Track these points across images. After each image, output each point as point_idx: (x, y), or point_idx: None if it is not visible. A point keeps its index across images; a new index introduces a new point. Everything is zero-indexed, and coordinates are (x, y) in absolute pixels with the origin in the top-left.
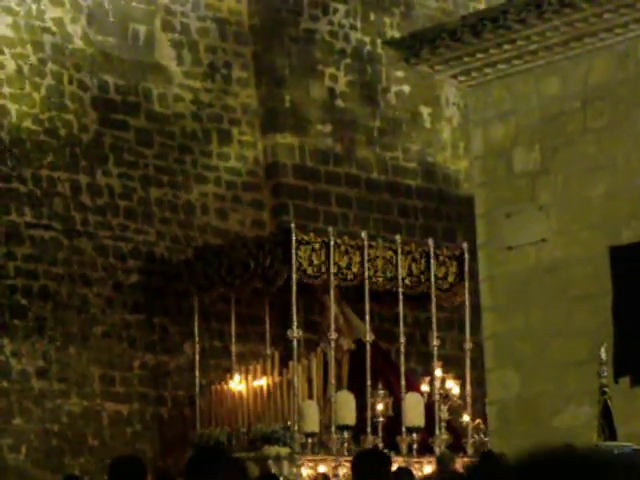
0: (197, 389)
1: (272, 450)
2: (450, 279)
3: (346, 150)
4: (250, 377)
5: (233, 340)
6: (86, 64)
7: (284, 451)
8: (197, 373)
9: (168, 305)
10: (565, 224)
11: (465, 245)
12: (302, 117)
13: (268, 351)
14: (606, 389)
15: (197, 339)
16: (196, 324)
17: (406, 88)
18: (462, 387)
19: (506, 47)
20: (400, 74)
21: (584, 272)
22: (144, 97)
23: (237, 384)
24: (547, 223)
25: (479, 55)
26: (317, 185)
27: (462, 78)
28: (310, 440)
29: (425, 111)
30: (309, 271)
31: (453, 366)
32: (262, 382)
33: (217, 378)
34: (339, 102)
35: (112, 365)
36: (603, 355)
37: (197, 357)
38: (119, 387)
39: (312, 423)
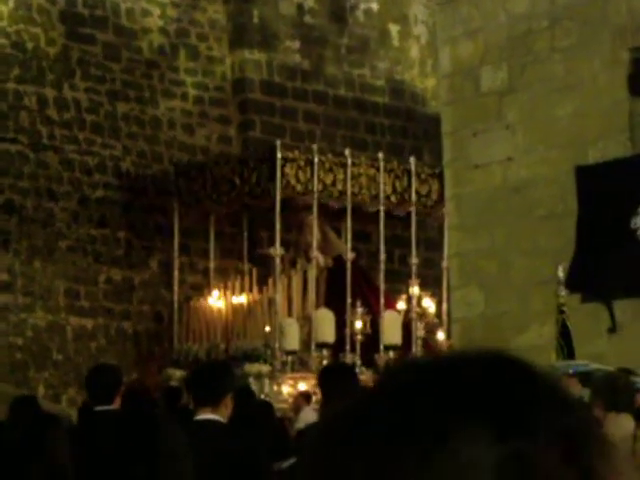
0: (175, 305)
1: (253, 368)
2: (434, 197)
3: (314, 67)
4: (229, 293)
5: (212, 256)
6: None
7: (265, 369)
8: (175, 289)
9: (134, 220)
10: (532, 143)
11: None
12: (270, 33)
13: (245, 267)
14: (564, 308)
15: (176, 254)
16: (176, 240)
17: (375, 6)
18: (438, 305)
19: None
20: None
21: (550, 192)
22: (112, 11)
23: (215, 300)
24: (513, 142)
25: None
26: (284, 101)
27: None
28: (290, 358)
29: (393, 29)
30: (298, 188)
31: (425, 284)
32: (242, 299)
33: (194, 294)
34: (307, 18)
35: (77, 279)
36: (561, 274)
37: (176, 273)
38: (84, 301)
39: (292, 341)
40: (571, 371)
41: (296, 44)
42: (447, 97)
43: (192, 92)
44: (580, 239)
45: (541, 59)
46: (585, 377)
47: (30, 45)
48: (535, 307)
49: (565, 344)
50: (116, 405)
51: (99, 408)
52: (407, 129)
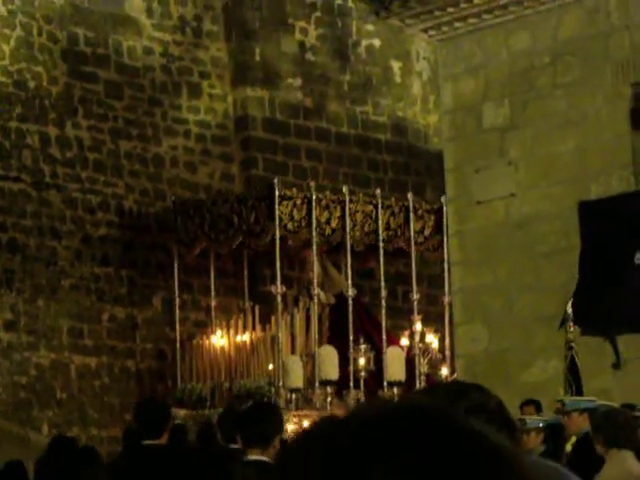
0: (178, 344)
1: None
2: (426, 232)
3: (316, 104)
4: (232, 332)
5: (213, 294)
6: (56, 16)
7: None
8: (177, 327)
9: (137, 258)
10: (534, 179)
11: (444, 199)
12: (272, 71)
13: (247, 305)
14: (573, 344)
15: (177, 292)
16: (176, 278)
17: (376, 42)
18: (441, 341)
19: (476, 1)
20: (371, 28)
21: (553, 227)
22: (114, 50)
23: (219, 338)
24: (516, 178)
25: (450, 9)
26: (287, 139)
27: (432, 32)
28: (294, 395)
29: (395, 65)
30: (289, 226)
31: (427, 320)
32: (245, 337)
33: (197, 331)
34: (309, 56)
35: (80, 318)
36: (569, 310)
37: (177, 311)
38: (87, 340)
39: (296, 378)
40: (582, 407)
41: (298, 81)
42: (449, 133)
43: (194, 130)
44: (582, 274)
45: (543, 95)
46: (594, 414)
47: (32, 84)
48: (539, 343)
49: (573, 380)
50: (163, 440)
51: (148, 442)
52: (409, 166)
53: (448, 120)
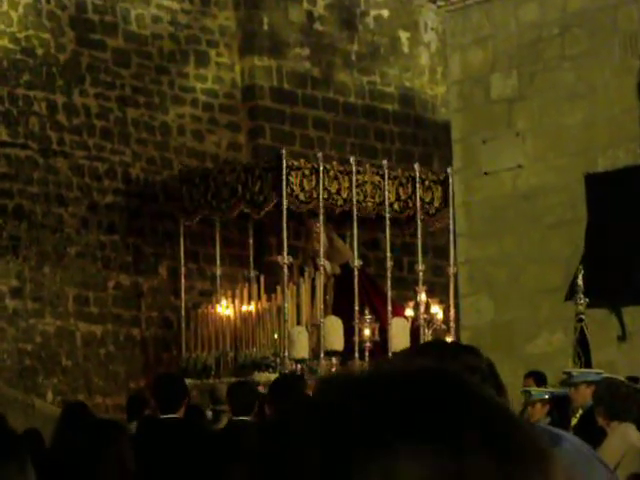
0: (183, 312)
1: (262, 376)
2: (436, 204)
3: (324, 74)
4: (237, 301)
5: (218, 263)
6: None
7: (274, 377)
8: (183, 296)
9: (143, 226)
10: (541, 151)
11: (450, 170)
12: (280, 40)
13: (252, 274)
14: (582, 316)
15: (183, 261)
16: (182, 247)
17: (385, 12)
18: (446, 313)
19: None
20: None
21: (559, 199)
22: (122, 17)
23: (224, 308)
24: (523, 149)
25: None
26: (294, 108)
27: (441, 3)
28: (300, 366)
29: (404, 36)
30: (301, 197)
31: (432, 292)
32: (251, 307)
33: (203, 300)
34: (317, 25)
35: (86, 285)
36: (580, 282)
37: (183, 280)
38: (93, 307)
39: (302, 349)
40: (589, 379)
41: (306, 51)
42: (457, 104)
43: (202, 98)
44: (589, 246)
45: (551, 67)
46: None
47: (40, 51)
48: (545, 314)
49: (583, 352)
50: (180, 414)
51: (166, 416)
52: (417, 136)
53: (456, 91)
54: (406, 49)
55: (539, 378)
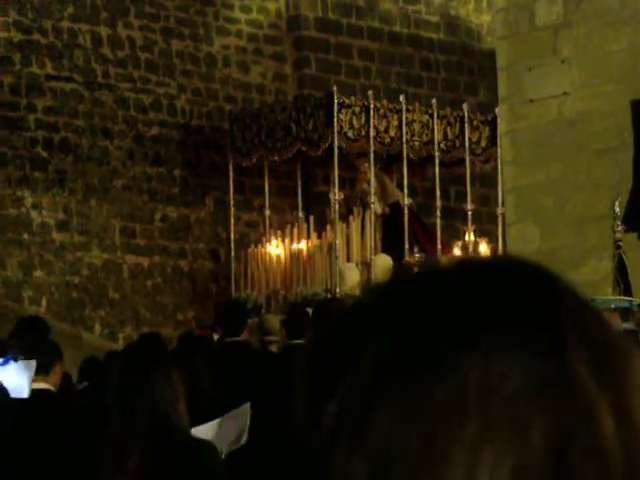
0: (232, 252)
1: None
2: (483, 144)
3: (368, 3)
4: (287, 240)
5: (267, 202)
6: None
7: None
8: (232, 236)
9: (189, 158)
10: (587, 77)
11: (498, 110)
12: None
13: (300, 214)
14: (620, 243)
15: (232, 202)
16: (231, 188)
17: None
18: (494, 243)
19: None
20: None
21: (606, 126)
22: None
23: (274, 247)
24: (569, 76)
25: None
26: (339, 38)
27: None
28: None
29: None
30: (350, 134)
31: (479, 221)
32: (302, 245)
33: (250, 231)
34: None
35: (133, 218)
36: (617, 209)
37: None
38: (140, 240)
39: (353, 284)
40: (613, 306)
41: None
42: (502, 32)
43: (246, 29)
44: (638, 174)
45: None
46: (626, 313)
47: None
48: (591, 242)
49: (622, 279)
50: (243, 337)
51: (231, 339)
52: (462, 65)
53: (500, 18)
54: None
55: None
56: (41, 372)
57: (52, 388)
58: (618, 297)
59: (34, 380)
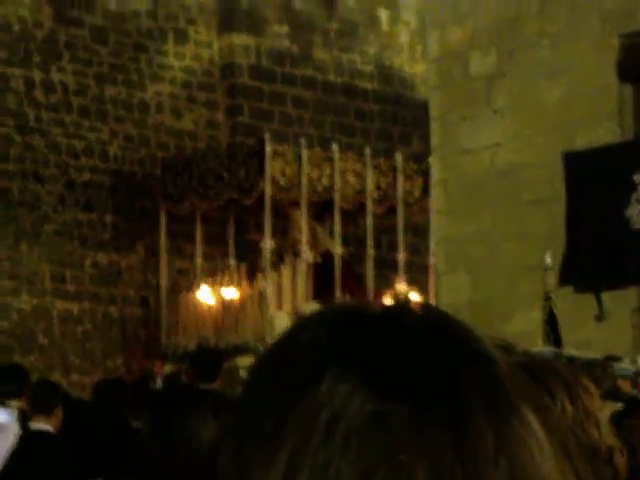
0: (164, 299)
1: (244, 360)
2: (416, 193)
3: (303, 52)
4: (218, 288)
5: (198, 250)
6: None
7: None
8: (163, 283)
9: (120, 204)
10: (520, 128)
11: (430, 159)
12: (259, 17)
13: (232, 262)
14: (551, 295)
15: (163, 248)
16: (162, 235)
17: None
18: (424, 292)
19: None
20: None
21: (537, 176)
22: None
23: (205, 294)
24: (502, 126)
25: None
26: (273, 86)
27: None
28: None
29: (383, 14)
30: (282, 182)
31: (410, 271)
32: (233, 293)
33: (181, 280)
34: (296, 3)
35: (63, 263)
36: (548, 261)
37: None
38: (70, 285)
39: None
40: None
41: (285, 29)
42: (435, 81)
43: (180, 76)
44: (569, 226)
45: (530, 44)
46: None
47: (17, 27)
48: (523, 292)
49: (552, 331)
50: (217, 385)
51: (203, 386)
52: (396, 115)
53: (434, 68)
54: (385, 27)
55: None
56: (42, 412)
57: (52, 429)
58: (547, 349)
59: (35, 420)
